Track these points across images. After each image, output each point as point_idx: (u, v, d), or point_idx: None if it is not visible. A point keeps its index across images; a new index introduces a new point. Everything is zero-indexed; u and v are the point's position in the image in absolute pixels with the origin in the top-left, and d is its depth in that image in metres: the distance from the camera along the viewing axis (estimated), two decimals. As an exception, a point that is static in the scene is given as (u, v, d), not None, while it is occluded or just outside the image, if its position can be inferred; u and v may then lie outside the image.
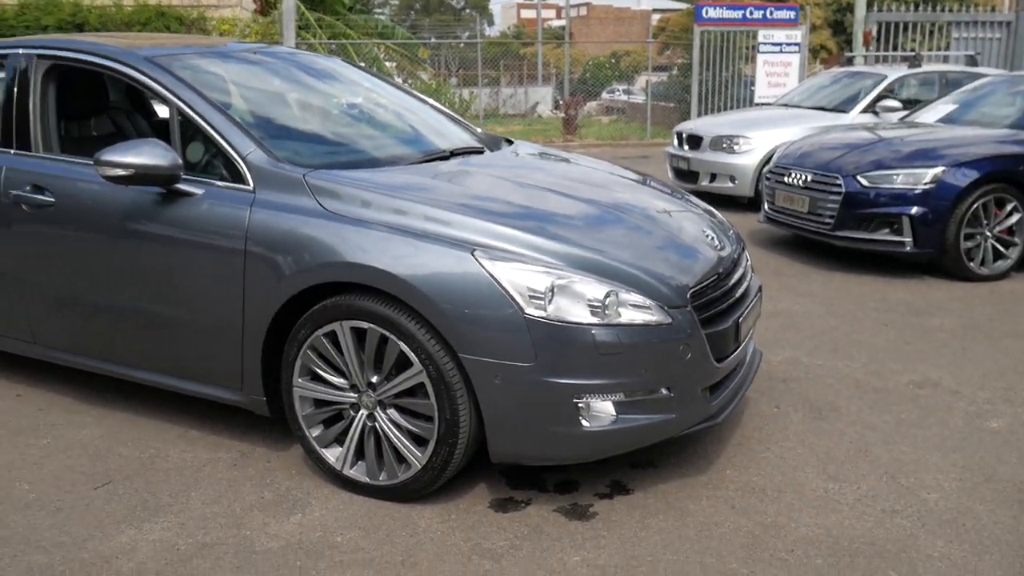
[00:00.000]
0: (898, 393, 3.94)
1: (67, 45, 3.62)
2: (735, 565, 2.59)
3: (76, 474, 3.19)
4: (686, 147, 9.14)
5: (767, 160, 7.72)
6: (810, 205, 6.34)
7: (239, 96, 3.52)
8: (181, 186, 3.08)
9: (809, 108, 9.26)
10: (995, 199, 5.89)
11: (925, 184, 5.83)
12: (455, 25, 72.97)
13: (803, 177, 6.44)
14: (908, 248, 5.90)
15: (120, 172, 2.97)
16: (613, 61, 35.93)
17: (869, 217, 6.00)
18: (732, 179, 8.54)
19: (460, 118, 4.43)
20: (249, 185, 3.03)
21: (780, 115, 9.22)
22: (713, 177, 8.78)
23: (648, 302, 2.75)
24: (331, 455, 3.00)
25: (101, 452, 3.35)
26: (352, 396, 2.92)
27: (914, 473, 3.17)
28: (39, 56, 3.58)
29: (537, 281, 2.64)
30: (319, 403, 2.99)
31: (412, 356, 2.74)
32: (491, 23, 78.04)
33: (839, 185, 6.10)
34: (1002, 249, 5.99)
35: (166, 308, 3.19)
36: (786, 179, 6.64)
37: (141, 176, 2.99)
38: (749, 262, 3.60)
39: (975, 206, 5.83)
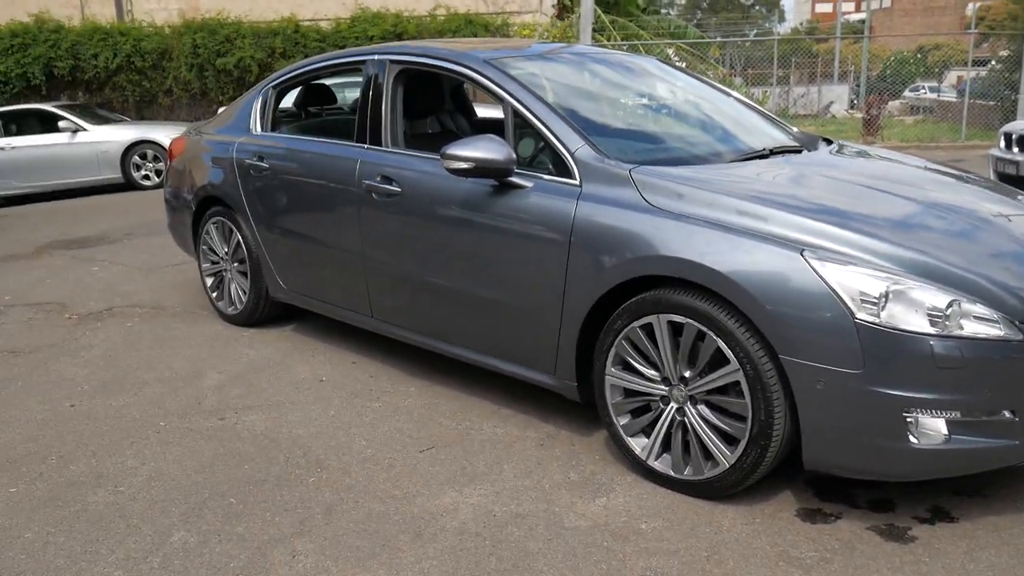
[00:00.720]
0: None
1: (415, 51, 4.03)
2: (1091, 618, 2.30)
3: (404, 437, 3.55)
4: (1015, 149, 8.15)
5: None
6: None
7: (563, 95, 3.71)
8: (513, 179, 3.31)
9: None
10: None
11: None
12: (742, 23, 71.03)
13: None
14: None
15: (462, 165, 3.26)
16: (919, 56, 32.94)
17: None
18: (1073, 186, 7.48)
19: (776, 117, 4.33)
20: (576, 180, 3.18)
21: None
22: (1049, 183, 7.75)
23: (994, 314, 2.52)
24: (637, 444, 3.08)
25: (424, 419, 3.71)
26: (663, 389, 2.97)
27: None
28: (391, 61, 4.02)
29: (870, 285, 2.52)
30: (629, 393, 3.08)
31: (729, 353, 2.73)
32: (782, 19, 75.03)
33: None
34: None
35: (492, 292, 3.44)
36: None
37: (480, 169, 3.26)
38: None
39: None
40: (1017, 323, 2.52)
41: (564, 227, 3.13)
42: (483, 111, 5.23)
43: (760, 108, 4.35)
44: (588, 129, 3.38)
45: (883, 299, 2.51)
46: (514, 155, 3.27)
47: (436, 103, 4.52)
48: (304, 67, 4.69)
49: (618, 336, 3.03)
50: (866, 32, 39.73)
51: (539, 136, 3.35)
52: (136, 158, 12.19)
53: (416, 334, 3.95)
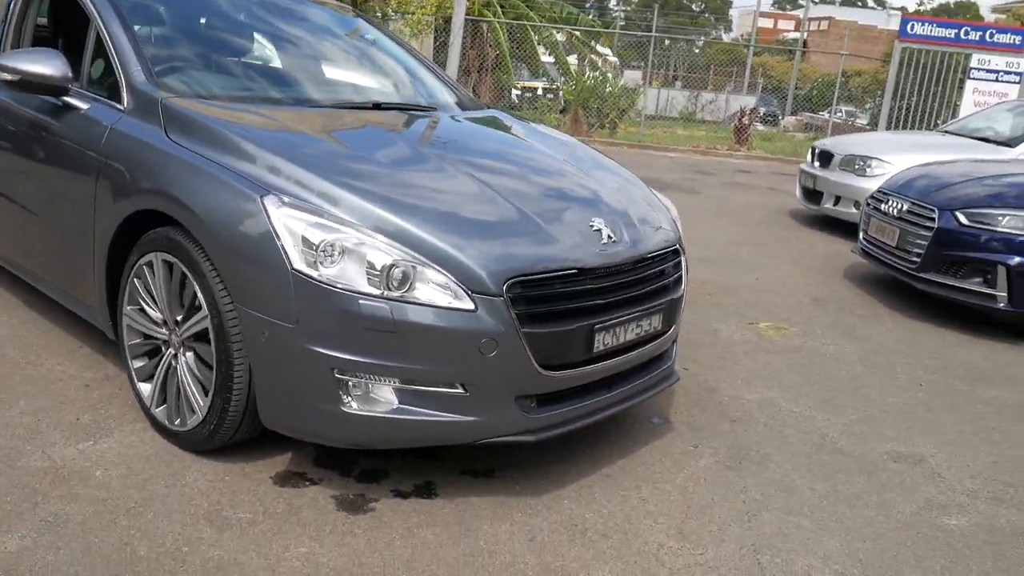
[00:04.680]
0: (860, 461, 3.24)
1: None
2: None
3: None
4: (816, 164, 8.23)
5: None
6: (899, 239, 5.45)
7: (168, 25, 3.46)
8: (70, 99, 3.07)
9: (972, 138, 8.02)
10: None
11: (1034, 231, 4.82)
12: (690, 28, 71.60)
13: (899, 206, 5.55)
14: (1002, 304, 4.90)
15: (8, 76, 3.01)
16: (843, 80, 33.60)
17: (960, 261, 5.06)
18: (856, 204, 7.56)
19: (449, 79, 4.17)
20: (122, 105, 2.97)
21: (932, 142, 8.07)
22: (837, 200, 7.84)
23: (447, 281, 2.38)
24: (144, 390, 2.88)
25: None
26: (164, 332, 2.78)
27: (787, 554, 2.56)
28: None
29: (315, 235, 2.36)
30: (145, 335, 2.88)
31: (201, 298, 2.55)
32: (728, 29, 75.60)
33: (932, 219, 5.19)
34: None
35: (48, 217, 3.22)
36: (883, 207, 5.76)
37: (29, 83, 3.01)
38: (677, 271, 3.10)
39: (1098, 267, 4.74)
40: (472, 293, 2.39)
41: (96, 151, 2.91)
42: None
43: (438, 72, 4.18)
44: (164, 59, 3.17)
45: (329, 250, 2.35)
46: (69, 72, 3.02)
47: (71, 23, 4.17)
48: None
49: (130, 274, 2.83)
50: (799, 49, 40.37)
51: (108, 58, 3.11)
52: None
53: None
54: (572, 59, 17.44)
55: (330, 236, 2.36)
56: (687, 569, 2.44)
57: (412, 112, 3.57)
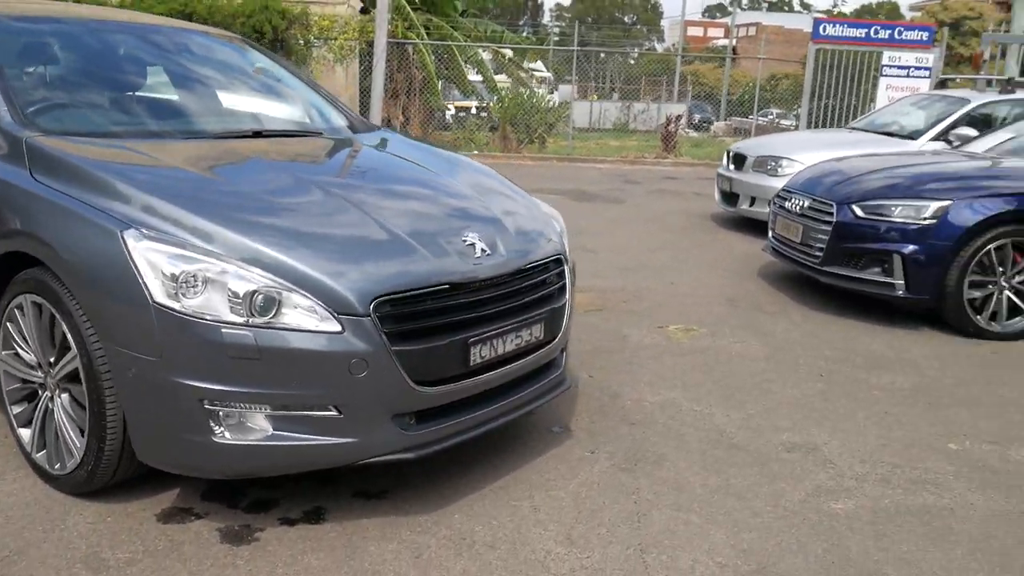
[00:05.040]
0: (754, 454, 3.32)
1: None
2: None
3: None
4: (731, 167, 8.42)
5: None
6: (803, 235, 5.60)
7: (46, 63, 3.40)
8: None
9: (878, 133, 8.28)
10: (1014, 243, 4.96)
11: (925, 219, 4.99)
12: (624, 40, 72.79)
13: (801, 203, 5.71)
14: (900, 292, 5.07)
15: None
16: (772, 83, 34.37)
17: (859, 253, 5.22)
18: (770, 204, 7.74)
19: (342, 105, 4.19)
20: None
21: (840, 139, 8.33)
22: (752, 201, 8.02)
23: (313, 304, 2.39)
24: (25, 435, 2.83)
25: None
26: (39, 375, 2.74)
27: (672, 551, 2.61)
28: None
29: (177, 267, 2.35)
30: (21, 379, 2.83)
31: (70, 338, 2.52)
32: (661, 40, 77.02)
33: (831, 213, 5.35)
34: (1020, 303, 5.04)
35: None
36: (787, 204, 5.92)
37: None
38: (560, 280, 3.14)
39: (985, 250, 4.93)
40: (338, 315, 2.41)
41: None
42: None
43: (327, 95, 4.19)
44: (38, 99, 3.14)
45: (192, 282, 2.35)
46: None
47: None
48: None
49: (2, 318, 2.78)
50: (728, 56, 41.34)
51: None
52: None
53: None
54: (502, 77, 17.60)
55: (191, 267, 2.35)
56: (572, 573, 2.47)
57: (293, 138, 3.58)
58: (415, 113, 15.28)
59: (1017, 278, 5.02)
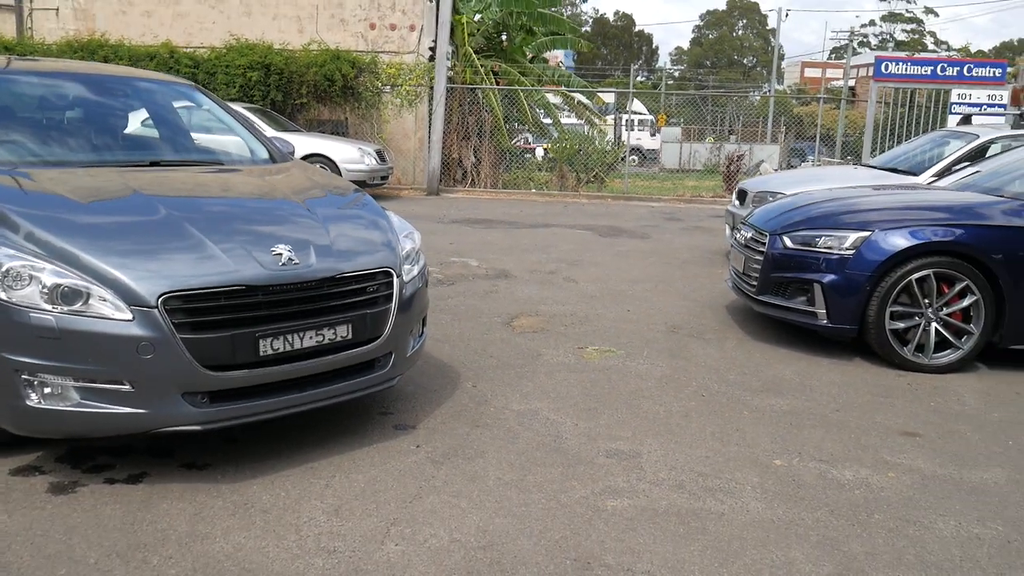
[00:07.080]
0: (572, 457, 3.56)
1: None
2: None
3: None
4: (737, 202, 8.53)
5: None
6: (744, 264, 5.73)
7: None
8: None
9: (883, 169, 8.20)
10: (936, 275, 4.94)
11: (844, 249, 5.05)
12: (743, 82, 71.99)
13: (746, 234, 5.85)
14: (823, 321, 5.13)
15: None
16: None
17: (786, 282, 5.31)
18: (765, 239, 7.81)
19: (268, 140, 4.75)
20: None
21: (842, 174, 8.30)
22: (751, 236, 8.08)
23: (109, 297, 2.90)
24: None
25: None
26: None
27: (419, 526, 2.92)
28: None
29: (4, 264, 2.92)
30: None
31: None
32: (781, 80, 75.83)
33: (764, 243, 5.47)
34: (949, 336, 4.99)
35: None
36: (737, 236, 6.06)
37: None
38: (387, 290, 3.53)
39: (906, 281, 4.94)
40: (131, 306, 2.91)
41: None
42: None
43: (256, 133, 4.75)
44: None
45: (15, 277, 2.90)
46: None
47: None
48: None
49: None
50: (844, 97, 40.33)
51: None
52: None
53: None
54: (574, 119, 18.10)
55: (16, 264, 2.92)
56: (317, 536, 2.83)
57: (188, 167, 4.14)
58: (485, 154, 15.95)
59: (946, 310, 4.99)
